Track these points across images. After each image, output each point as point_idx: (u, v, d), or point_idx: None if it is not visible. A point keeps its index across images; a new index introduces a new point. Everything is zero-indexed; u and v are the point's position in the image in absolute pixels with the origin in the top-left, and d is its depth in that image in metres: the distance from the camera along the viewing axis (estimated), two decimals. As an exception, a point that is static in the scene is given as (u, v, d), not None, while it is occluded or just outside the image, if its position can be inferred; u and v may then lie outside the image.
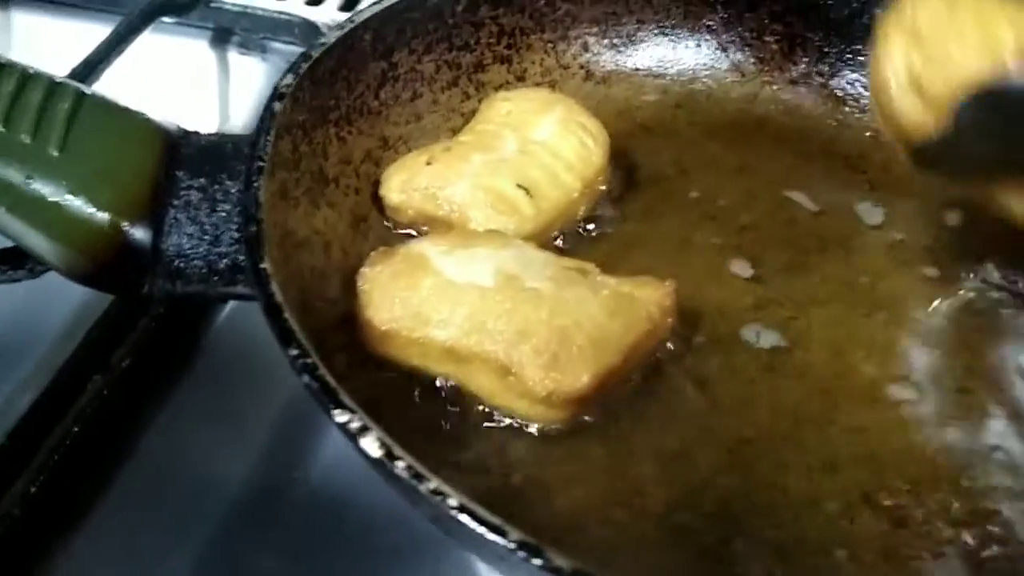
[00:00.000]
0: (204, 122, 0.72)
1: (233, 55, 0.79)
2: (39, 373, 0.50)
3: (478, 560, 0.46)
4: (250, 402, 0.53)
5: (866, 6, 0.61)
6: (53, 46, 0.77)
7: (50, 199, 0.42)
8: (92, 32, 0.70)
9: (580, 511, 0.41)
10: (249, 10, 0.78)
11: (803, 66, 0.63)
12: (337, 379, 0.36)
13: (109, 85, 0.66)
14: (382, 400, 0.43)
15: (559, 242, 0.52)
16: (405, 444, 0.35)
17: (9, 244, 0.47)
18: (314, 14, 0.79)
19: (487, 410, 0.44)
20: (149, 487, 0.49)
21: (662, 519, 0.41)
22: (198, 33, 0.79)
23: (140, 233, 0.42)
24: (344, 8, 0.81)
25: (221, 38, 0.80)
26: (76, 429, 0.48)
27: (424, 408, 0.44)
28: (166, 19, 0.75)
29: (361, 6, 0.79)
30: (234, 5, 0.79)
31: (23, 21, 0.83)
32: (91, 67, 0.67)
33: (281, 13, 0.78)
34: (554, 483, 0.42)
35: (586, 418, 0.43)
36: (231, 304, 0.57)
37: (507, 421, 0.43)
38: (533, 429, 0.43)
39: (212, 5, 0.78)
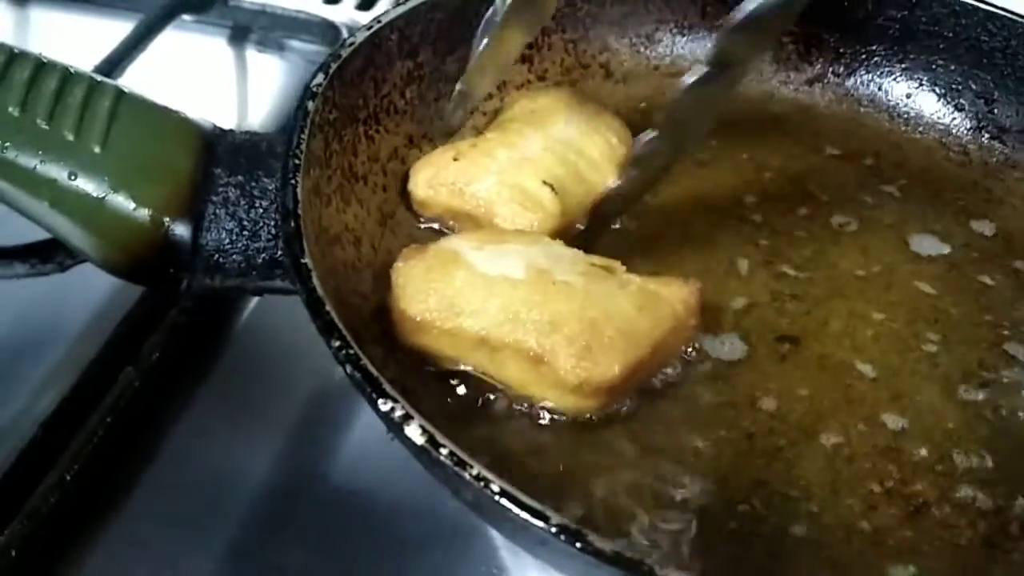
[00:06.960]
0: (222, 119, 0.73)
1: (251, 53, 0.80)
2: (70, 364, 0.51)
3: (502, 549, 0.47)
4: (275, 396, 0.54)
5: (880, 8, 0.62)
6: (71, 44, 0.78)
7: (93, 195, 0.42)
8: (111, 29, 0.71)
9: (609, 499, 0.42)
10: (267, 9, 0.80)
11: (819, 66, 0.65)
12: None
13: (129, 83, 0.67)
14: (416, 391, 0.44)
15: (581, 239, 0.53)
16: (440, 433, 0.35)
17: (39, 237, 0.47)
18: (332, 13, 0.80)
19: (518, 400, 0.44)
20: (177, 479, 0.50)
21: (686, 508, 0.42)
22: (217, 31, 0.80)
23: (181, 229, 0.43)
24: (361, 7, 0.82)
25: (239, 36, 0.81)
26: (109, 419, 0.49)
27: (456, 398, 0.45)
28: (185, 17, 0.76)
29: (381, 4, 0.80)
30: (252, 4, 0.80)
31: (41, 18, 0.83)
32: (112, 65, 0.68)
33: (299, 12, 0.80)
34: (583, 472, 0.42)
35: (614, 409, 0.44)
36: (257, 299, 0.58)
37: (537, 411, 0.44)
38: (563, 419, 0.44)
39: (231, 3, 0.79)
